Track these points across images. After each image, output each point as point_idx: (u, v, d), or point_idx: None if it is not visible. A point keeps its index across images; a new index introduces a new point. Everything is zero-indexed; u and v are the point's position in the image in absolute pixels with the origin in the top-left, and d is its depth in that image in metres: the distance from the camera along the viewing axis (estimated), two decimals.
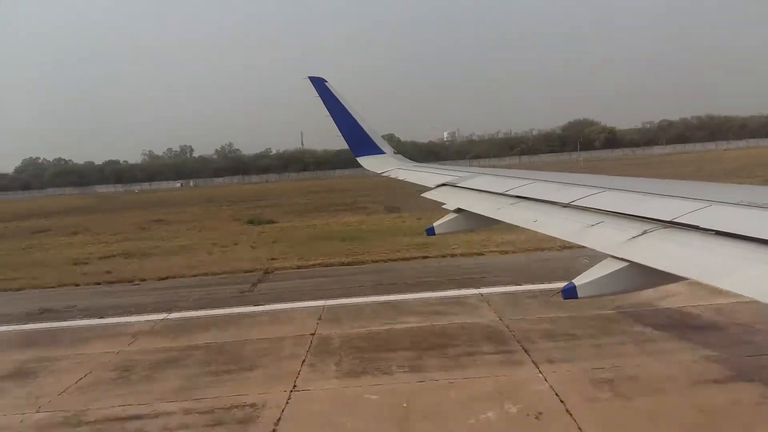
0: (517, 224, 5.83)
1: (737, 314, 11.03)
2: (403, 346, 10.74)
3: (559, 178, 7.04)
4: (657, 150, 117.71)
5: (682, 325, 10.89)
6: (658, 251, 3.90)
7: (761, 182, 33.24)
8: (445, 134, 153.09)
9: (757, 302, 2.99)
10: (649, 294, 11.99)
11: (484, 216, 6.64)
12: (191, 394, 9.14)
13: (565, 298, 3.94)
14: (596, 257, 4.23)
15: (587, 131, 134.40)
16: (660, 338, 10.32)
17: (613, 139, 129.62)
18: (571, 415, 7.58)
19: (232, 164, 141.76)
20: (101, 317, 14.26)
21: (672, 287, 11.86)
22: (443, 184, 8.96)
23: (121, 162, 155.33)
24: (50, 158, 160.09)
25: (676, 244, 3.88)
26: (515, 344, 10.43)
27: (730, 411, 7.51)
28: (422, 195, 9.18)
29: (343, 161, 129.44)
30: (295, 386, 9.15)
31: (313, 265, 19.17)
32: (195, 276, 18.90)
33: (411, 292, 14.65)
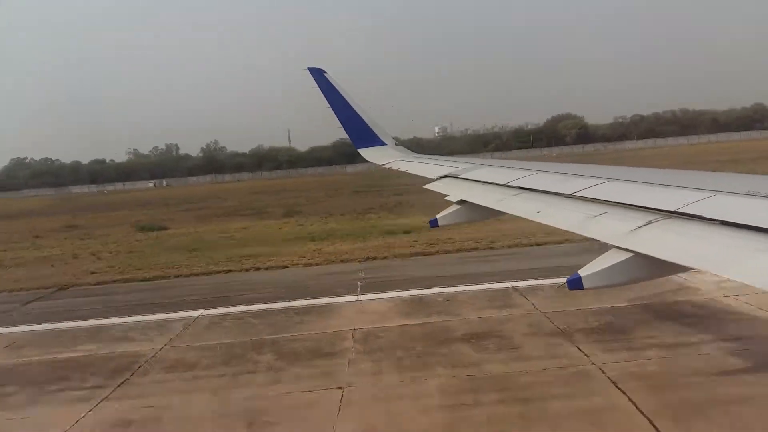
0: (521, 215, 5.83)
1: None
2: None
3: (562, 169, 7.03)
4: (629, 144, 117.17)
5: None
6: (663, 241, 3.90)
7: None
8: (437, 129, 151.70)
9: None
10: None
11: (487, 207, 6.64)
12: None
13: (571, 289, 3.94)
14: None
15: (560, 126, 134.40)
16: None
17: (585, 134, 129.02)
18: None
19: (207, 163, 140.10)
20: None
21: None
22: (446, 176, 8.95)
23: (107, 161, 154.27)
24: (38, 158, 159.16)
25: (680, 235, 3.88)
26: None
27: None
28: (425, 186, 9.17)
29: (317, 159, 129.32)
30: None
31: (115, 281, 19.06)
32: None
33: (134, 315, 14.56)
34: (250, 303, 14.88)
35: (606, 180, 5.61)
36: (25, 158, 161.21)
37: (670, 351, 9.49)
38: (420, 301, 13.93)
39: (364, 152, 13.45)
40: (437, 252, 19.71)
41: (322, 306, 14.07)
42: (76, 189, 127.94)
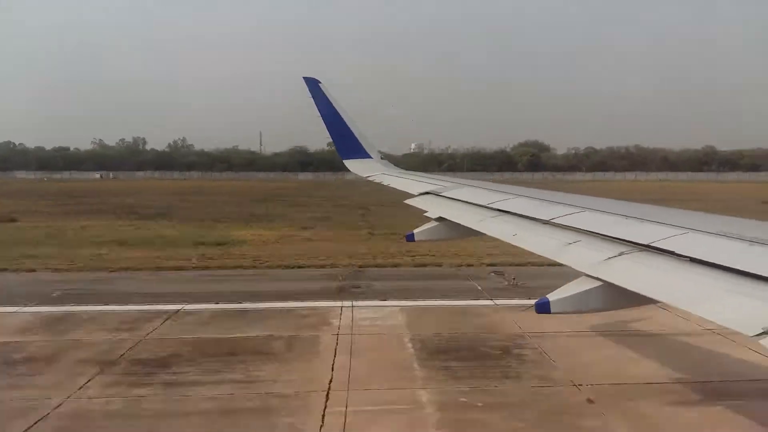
0: (497, 237, 5.84)
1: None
2: None
3: (541, 195, 7.09)
4: (578, 176, 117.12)
5: None
6: (634, 273, 3.93)
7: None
8: (413, 145, 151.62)
9: None
10: None
11: (465, 227, 6.66)
12: None
13: (539, 312, 3.94)
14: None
15: (513, 153, 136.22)
16: None
17: (537, 163, 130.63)
18: None
19: (156, 159, 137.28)
20: None
21: None
22: (427, 192, 8.98)
23: (71, 149, 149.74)
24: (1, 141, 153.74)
25: (651, 268, 3.91)
26: None
27: None
28: (405, 202, 9.18)
29: (269, 164, 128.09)
30: None
31: None
32: None
33: None
34: None
35: (583, 209, 5.66)
36: None
37: None
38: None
39: (349, 163, 13.46)
40: (187, 268, 18.92)
41: None
42: (21, 174, 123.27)
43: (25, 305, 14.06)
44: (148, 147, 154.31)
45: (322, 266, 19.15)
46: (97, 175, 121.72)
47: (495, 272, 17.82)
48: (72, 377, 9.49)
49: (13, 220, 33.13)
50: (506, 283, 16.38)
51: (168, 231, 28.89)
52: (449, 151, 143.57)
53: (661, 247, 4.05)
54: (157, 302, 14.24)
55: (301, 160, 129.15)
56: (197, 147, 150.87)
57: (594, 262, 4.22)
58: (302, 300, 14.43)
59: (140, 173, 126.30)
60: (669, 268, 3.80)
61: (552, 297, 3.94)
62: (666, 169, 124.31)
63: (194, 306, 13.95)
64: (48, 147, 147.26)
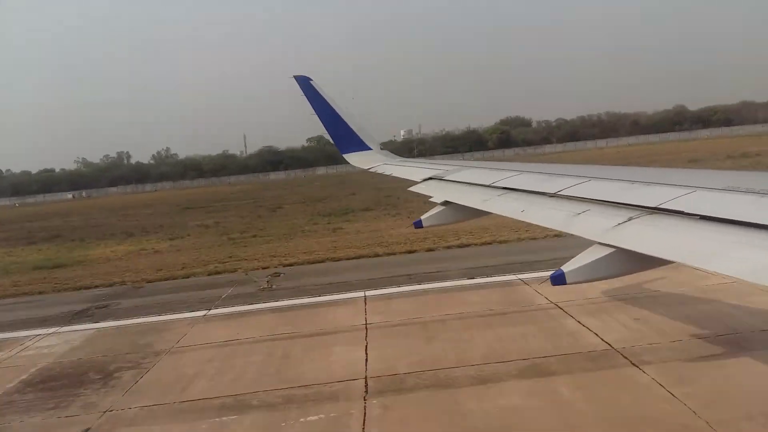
0: (505, 215, 5.87)
1: None
2: None
3: (545, 169, 7.09)
4: (548, 149, 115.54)
5: None
6: (644, 236, 3.94)
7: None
8: (402, 132, 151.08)
9: None
10: None
11: (471, 208, 6.67)
12: None
13: (554, 284, 3.97)
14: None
15: (482, 132, 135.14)
16: None
17: (506, 139, 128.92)
18: None
19: (128, 173, 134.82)
20: None
21: None
22: (430, 178, 8.99)
23: (56, 171, 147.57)
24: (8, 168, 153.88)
25: (661, 230, 3.93)
26: None
27: None
28: (409, 189, 9.20)
29: (241, 168, 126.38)
30: None
31: None
32: None
33: None
34: None
35: (589, 179, 5.67)
36: None
37: None
38: None
39: (349, 157, 13.46)
40: None
41: None
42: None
43: None
44: (133, 161, 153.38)
45: (109, 285, 18.84)
46: (70, 195, 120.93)
47: (274, 274, 17.81)
48: None
49: None
50: (260, 287, 16.30)
51: (28, 255, 28.80)
52: (419, 136, 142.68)
53: (669, 208, 4.06)
54: None
55: (270, 160, 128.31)
56: (182, 155, 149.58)
57: (604, 230, 4.24)
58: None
59: (113, 189, 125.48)
60: (679, 228, 3.81)
61: (566, 268, 3.97)
62: (638, 132, 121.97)
63: None
64: (34, 171, 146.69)
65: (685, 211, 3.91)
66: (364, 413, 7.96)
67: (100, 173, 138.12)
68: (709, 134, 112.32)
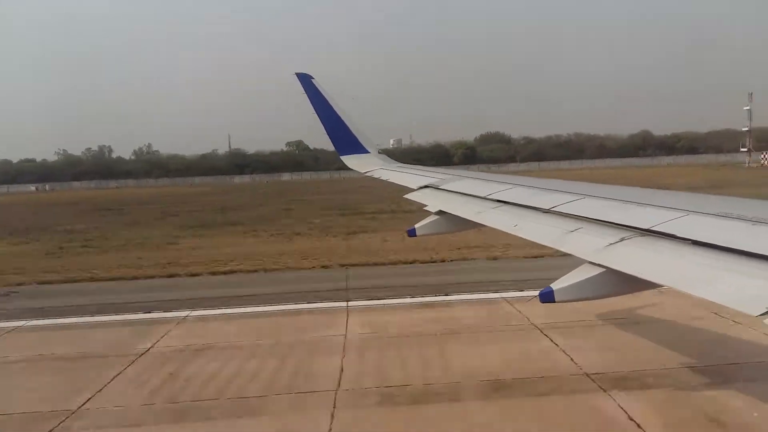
0: (498, 228, 5.85)
1: None
2: None
3: (540, 183, 7.09)
4: (512, 167, 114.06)
5: None
6: (635, 258, 3.93)
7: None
8: (392, 141, 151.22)
9: None
10: None
11: (465, 219, 6.66)
12: None
13: (543, 302, 3.94)
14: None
15: (449, 147, 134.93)
16: None
17: (472, 156, 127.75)
18: None
19: (94, 168, 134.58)
20: None
21: None
22: (426, 186, 8.97)
23: (37, 161, 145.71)
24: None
25: (652, 252, 3.92)
26: None
27: None
28: (405, 196, 9.16)
29: (205, 168, 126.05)
30: None
31: None
32: None
33: None
34: None
35: (583, 196, 5.66)
36: None
37: None
38: None
39: (346, 159, 13.40)
40: None
41: None
42: None
43: None
44: (114, 155, 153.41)
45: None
46: (33, 188, 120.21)
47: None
48: None
49: None
50: None
51: None
52: (391, 148, 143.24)
53: (662, 230, 4.05)
54: None
55: (237, 163, 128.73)
56: (165, 153, 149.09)
57: (596, 249, 4.23)
58: None
59: (77, 183, 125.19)
60: (670, 252, 3.80)
61: (555, 286, 3.95)
62: (604, 156, 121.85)
63: None
64: (15, 160, 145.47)
65: (678, 234, 3.90)
66: None
67: (66, 167, 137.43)
68: (672, 161, 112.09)
